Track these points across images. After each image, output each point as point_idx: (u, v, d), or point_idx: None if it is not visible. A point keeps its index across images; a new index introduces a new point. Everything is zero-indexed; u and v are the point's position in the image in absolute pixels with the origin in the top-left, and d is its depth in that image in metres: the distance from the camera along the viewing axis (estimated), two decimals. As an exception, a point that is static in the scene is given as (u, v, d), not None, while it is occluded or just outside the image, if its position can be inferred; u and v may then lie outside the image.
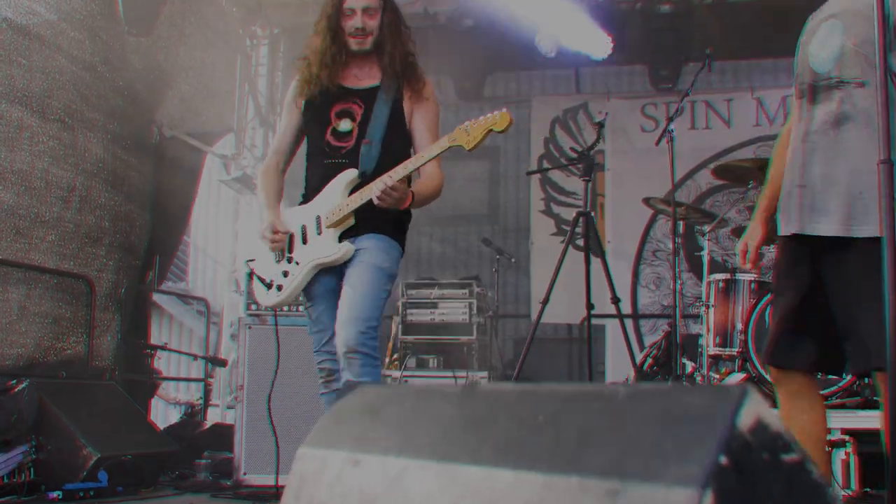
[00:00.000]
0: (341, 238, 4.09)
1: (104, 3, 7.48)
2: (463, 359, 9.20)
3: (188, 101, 9.01)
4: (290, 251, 4.19)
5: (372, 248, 4.02)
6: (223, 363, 8.60)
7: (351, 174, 4.07)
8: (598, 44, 9.58)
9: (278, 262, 4.23)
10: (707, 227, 7.40)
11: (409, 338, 9.22)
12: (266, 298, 4.27)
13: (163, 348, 8.34)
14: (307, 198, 4.22)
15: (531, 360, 8.01)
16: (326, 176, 4.11)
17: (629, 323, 9.94)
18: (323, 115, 4.17)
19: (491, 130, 3.72)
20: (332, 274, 4.11)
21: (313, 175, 4.22)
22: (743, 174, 6.76)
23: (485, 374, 9.14)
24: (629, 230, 10.28)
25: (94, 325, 7.06)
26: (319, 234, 4.10)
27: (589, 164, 7.24)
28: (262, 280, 4.27)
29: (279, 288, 4.19)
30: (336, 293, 4.04)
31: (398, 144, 4.14)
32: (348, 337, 3.84)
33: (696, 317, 8.59)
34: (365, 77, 4.20)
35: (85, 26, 7.14)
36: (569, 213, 10.47)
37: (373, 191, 3.85)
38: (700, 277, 8.31)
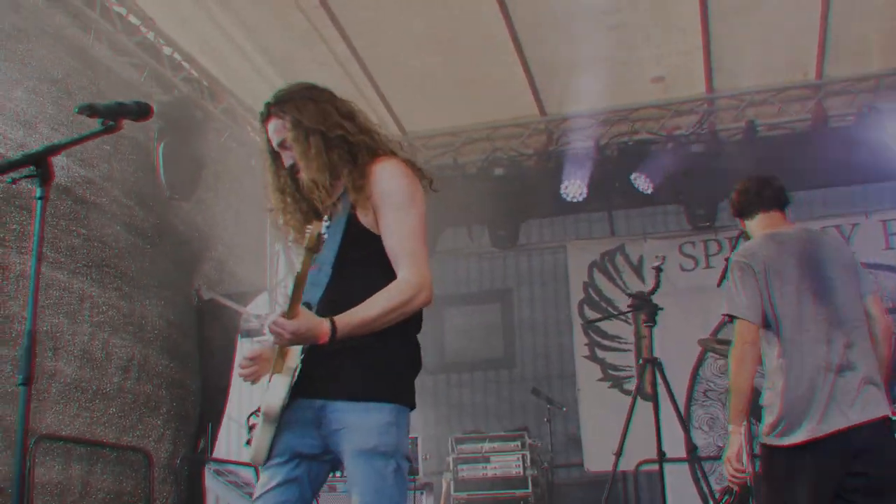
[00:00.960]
0: (299, 392, 3.04)
1: (147, 169, 7.56)
2: (520, 513, 8.93)
3: (224, 261, 9.01)
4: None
5: (351, 425, 2.98)
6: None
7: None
8: (637, 184, 9.70)
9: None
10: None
11: (462, 495, 8.94)
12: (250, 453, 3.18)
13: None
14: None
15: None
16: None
17: (686, 467, 9.67)
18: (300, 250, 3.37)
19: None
20: (313, 438, 3.08)
21: None
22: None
23: (543, 527, 8.84)
24: (677, 372, 10.11)
25: (154, 499, 6.83)
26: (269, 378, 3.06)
27: (652, 310, 7.15)
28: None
29: (248, 441, 3.39)
30: (308, 469, 3.10)
31: (354, 267, 3.20)
32: None
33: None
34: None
35: (134, 193, 7.19)
36: (614, 357, 10.36)
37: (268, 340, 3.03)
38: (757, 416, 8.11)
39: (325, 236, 3.18)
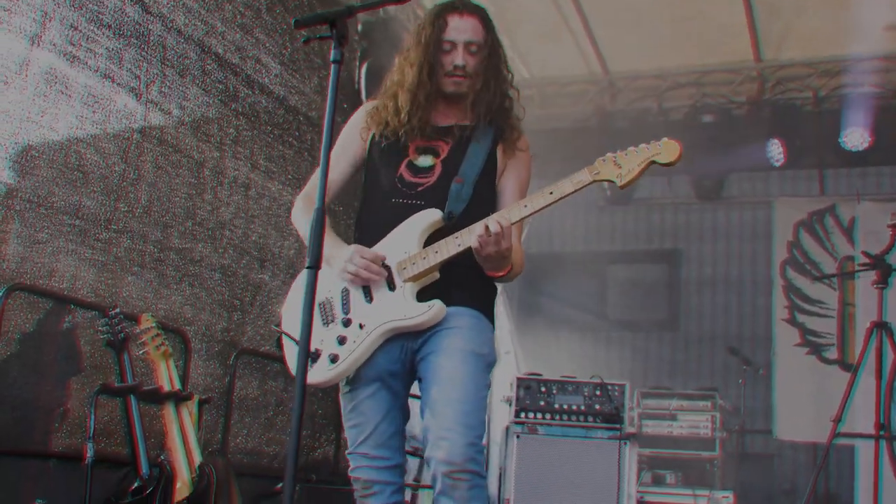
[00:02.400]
0: (420, 297, 3.21)
1: (350, 88, 7.34)
2: (705, 476, 8.44)
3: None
4: (346, 310, 3.23)
5: (466, 326, 3.23)
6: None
7: (432, 215, 3.26)
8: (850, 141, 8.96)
9: (327, 324, 3.24)
10: None
11: (646, 451, 8.49)
12: (314, 373, 3.17)
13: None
14: (364, 243, 3.32)
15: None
16: (394, 217, 3.29)
17: (883, 446, 8.97)
18: (398, 148, 3.40)
19: (653, 162, 3.07)
20: (396, 349, 3.24)
21: (374, 217, 3.41)
22: None
23: (728, 493, 8.32)
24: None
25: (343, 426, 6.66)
26: (392, 289, 3.20)
27: (886, 270, 6.51)
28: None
29: (333, 359, 3.16)
30: (393, 377, 3.25)
31: (489, 195, 3.40)
32: (454, 451, 3.02)
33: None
34: (454, 116, 3.47)
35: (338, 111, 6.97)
36: (816, 323, 9.68)
37: (474, 233, 3.06)
38: None
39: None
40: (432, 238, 3.21)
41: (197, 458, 4.42)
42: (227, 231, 5.64)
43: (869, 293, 9.23)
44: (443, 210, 3.25)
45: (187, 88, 5.36)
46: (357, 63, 7.84)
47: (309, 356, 3.05)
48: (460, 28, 3.33)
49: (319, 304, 3.24)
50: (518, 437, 6.03)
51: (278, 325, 3.32)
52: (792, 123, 9.31)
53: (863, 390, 6.86)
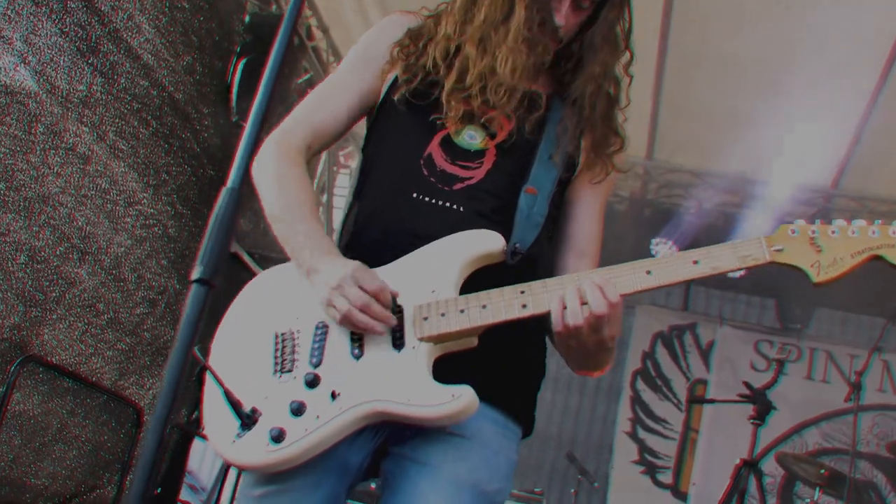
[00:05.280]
0: (442, 372, 2.06)
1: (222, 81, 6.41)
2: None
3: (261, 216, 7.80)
4: (317, 361, 2.11)
5: (480, 441, 2.16)
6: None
7: (491, 243, 2.15)
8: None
9: (279, 374, 2.13)
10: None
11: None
12: (242, 447, 2.06)
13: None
14: (362, 258, 2.18)
15: None
16: (414, 225, 2.22)
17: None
18: (429, 108, 2.31)
19: (878, 258, 2.02)
20: (366, 434, 2.16)
21: (379, 218, 2.30)
22: None
23: None
24: (720, 477, 8.94)
25: (132, 465, 5.56)
26: (398, 346, 2.09)
27: (765, 407, 6.00)
28: (236, 409, 2.05)
29: (278, 437, 2.03)
30: (344, 473, 2.18)
31: (556, 216, 2.39)
32: None
33: None
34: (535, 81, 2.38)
35: (203, 103, 6.00)
36: (655, 443, 9.19)
37: (554, 297, 2.03)
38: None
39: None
40: (478, 278, 2.14)
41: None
42: (48, 207, 4.50)
43: (716, 423, 8.87)
44: (505, 235, 2.17)
45: (40, 21, 4.25)
46: (234, 57, 6.86)
47: (240, 415, 2.04)
48: None
49: (275, 338, 2.16)
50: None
51: (204, 352, 2.06)
52: (670, 228, 8.93)
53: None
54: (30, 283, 4.55)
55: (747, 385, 6.14)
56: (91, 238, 4.83)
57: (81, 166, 4.68)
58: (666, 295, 9.98)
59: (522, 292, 2.06)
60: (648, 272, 2.02)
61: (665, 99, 7.93)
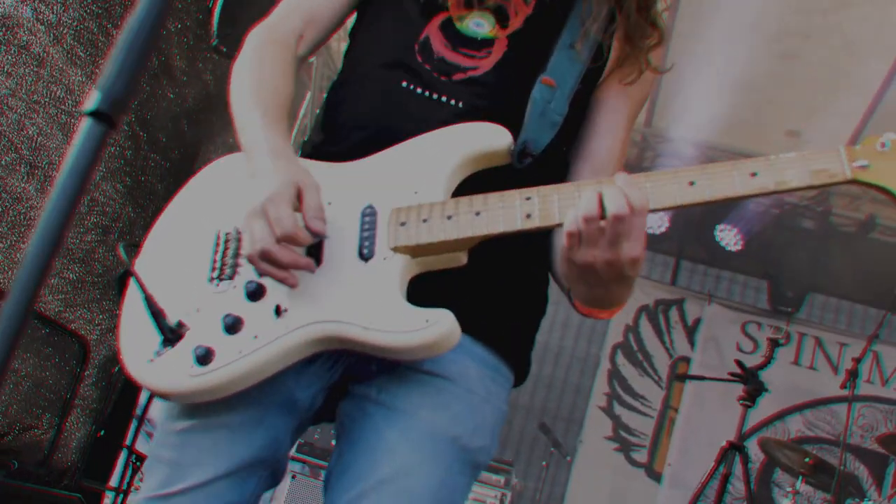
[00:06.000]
0: (417, 294, 1.67)
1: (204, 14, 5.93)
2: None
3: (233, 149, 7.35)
4: (259, 272, 1.67)
5: (464, 384, 1.78)
6: None
7: (494, 138, 1.75)
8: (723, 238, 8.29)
9: (215, 282, 1.74)
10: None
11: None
12: (162, 368, 1.67)
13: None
14: (332, 156, 1.86)
15: None
16: (402, 117, 1.84)
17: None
18: None
19: None
20: (317, 366, 1.78)
21: (366, 106, 1.91)
22: None
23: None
24: (698, 458, 8.62)
25: (73, 406, 5.14)
26: (364, 256, 1.68)
27: (756, 389, 5.65)
28: (158, 320, 1.67)
29: (204, 357, 1.64)
30: (288, 409, 1.77)
31: (578, 120, 1.97)
32: None
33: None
34: None
35: (182, 20, 5.52)
36: (631, 419, 8.84)
37: (579, 209, 1.54)
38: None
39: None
40: (475, 181, 1.74)
41: None
42: (-7, 109, 4.04)
43: (698, 402, 8.53)
44: (514, 134, 1.76)
45: None
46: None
47: (161, 328, 1.66)
48: None
49: (216, 238, 1.77)
50: (294, 477, 4.79)
51: (131, 252, 1.77)
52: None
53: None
54: (-33, 193, 4.10)
55: (739, 364, 5.78)
56: (42, 151, 4.36)
57: (36, 69, 4.21)
58: (652, 267, 9.62)
59: (528, 198, 1.62)
60: (692, 183, 1.56)
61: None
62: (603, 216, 1.50)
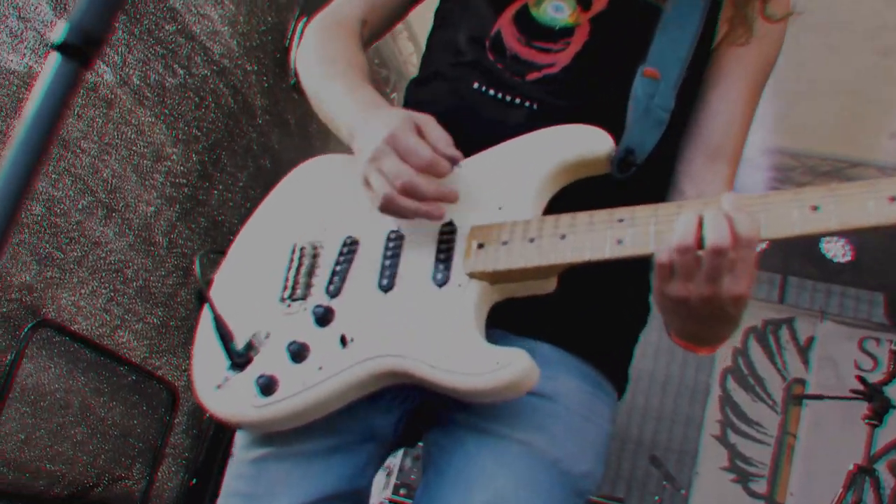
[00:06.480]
0: (505, 306, 1.46)
1: (280, 41, 5.92)
2: None
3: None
4: (334, 292, 1.51)
5: (564, 403, 1.53)
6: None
7: (594, 144, 1.47)
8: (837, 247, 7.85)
9: (287, 301, 1.55)
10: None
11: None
12: (226, 396, 1.49)
13: None
14: None
15: None
16: (476, 128, 1.58)
17: None
18: None
19: None
20: (395, 392, 1.54)
21: (440, 108, 1.62)
22: None
23: None
24: (823, 486, 8.11)
25: (164, 455, 5.02)
26: (439, 282, 1.43)
27: (883, 405, 5.22)
28: (225, 343, 1.49)
29: (268, 386, 1.44)
30: (370, 437, 1.55)
31: (685, 115, 1.68)
32: None
33: None
34: None
35: (255, 61, 5.46)
36: (748, 447, 8.38)
37: (672, 237, 1.25)
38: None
39: None
40: (569, 198, 1.46)
41: None
42: (68, 152, 3.96)
43: (818, 426, 8.03)
44: (615, 138, 1.48)
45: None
46: (294, 19, 6.42)
47: (228, 352, 1.50)
48: None
49: (292, 252, 1.58)
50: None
51: (213, 261, 1.62)
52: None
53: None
54: (46, 237, 4.02)
55: (862, 380, 5.36)
56: (119, 194, 4.28)
57: (105, 111, 4.15)
58: (758, 286, 9.19)
59: (621, 220, 1.33)
60: (815, 208, 1.22)
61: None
62: (701, 246, 1.23)
